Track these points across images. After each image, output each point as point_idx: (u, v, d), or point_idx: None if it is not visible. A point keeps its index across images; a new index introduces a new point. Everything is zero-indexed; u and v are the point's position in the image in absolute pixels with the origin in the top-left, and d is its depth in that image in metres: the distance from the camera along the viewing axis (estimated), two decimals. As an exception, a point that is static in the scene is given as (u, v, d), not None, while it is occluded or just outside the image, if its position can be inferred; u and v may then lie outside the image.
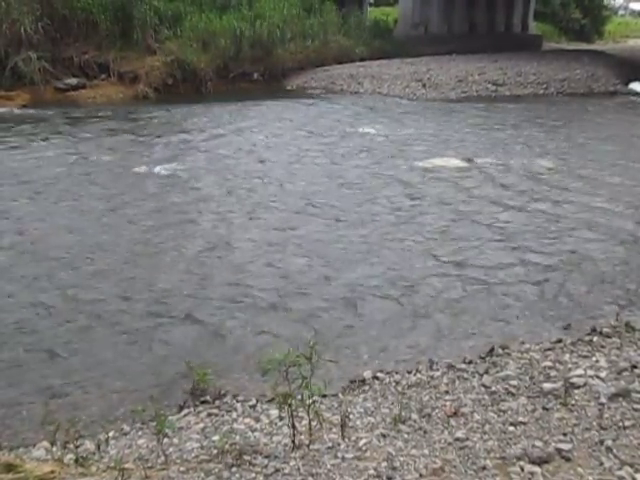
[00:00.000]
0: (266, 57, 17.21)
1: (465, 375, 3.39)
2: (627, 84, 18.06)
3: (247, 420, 3.10)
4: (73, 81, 14.69)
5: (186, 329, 4.22)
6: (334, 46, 19.58)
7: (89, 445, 2.89)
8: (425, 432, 2.70)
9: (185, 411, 3.27)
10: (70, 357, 3.87)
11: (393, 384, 3.40)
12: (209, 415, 3.20)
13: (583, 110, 13.66)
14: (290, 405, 2.56)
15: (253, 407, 3.26)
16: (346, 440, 2.64)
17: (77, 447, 2.67)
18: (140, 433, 3.06)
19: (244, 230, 6.07)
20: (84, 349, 3.96)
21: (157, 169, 8.19)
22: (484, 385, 3.19)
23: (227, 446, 2.57)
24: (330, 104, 14.30)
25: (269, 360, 2.52)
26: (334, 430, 2.76)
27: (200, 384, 3.39)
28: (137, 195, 7.17)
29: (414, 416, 2.88)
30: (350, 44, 20.18)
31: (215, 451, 2.65)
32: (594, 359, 3.38)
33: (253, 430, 2.97)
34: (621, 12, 52.95)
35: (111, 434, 3.07)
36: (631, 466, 2.29)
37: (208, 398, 3.36)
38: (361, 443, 2.59)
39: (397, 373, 3.55)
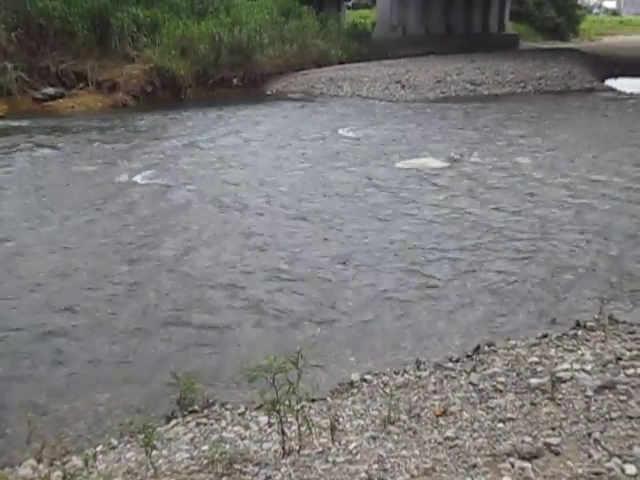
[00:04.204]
0: (245, 62, 17.19)
1: (452, 374, 3.40)
2: (603, 81, 18.36)
3: (236, 428, 3.08)
4: (51, 91, 14.49)
5: (171, 338, 4.18)
6: (313, 50, 19.66)
7: (76, 461, 2.84)
8: (415, 432, 2.70)
9: (173, 422, 3.23)
10: (54, 371, 3.80)
11: (381, 386, 3.40)
12: (198, 425, 3.16)
13: (560, 108, 13.84)
14: (279, 411, 2.55)
15: (242, 415, 3.23)
16: (336, 444, 2.63)
17: (64, 463, 2.63)
18: (128, 446, 3.01)
19: (224, 236, 6.05)
20: (68, 362, 3.90)
21: (137, 178, 8.13)
22: (472, 383, 3.20)
23: (217, 455, 2.55)
24: (310, 107, 14.32)
25: (255, 367, 2.50)
26: (324, 434, 2.76)
27: (187, 393, 3.35)
28: (117, 204, 7.10)
29: (403, 417, 2.88)
30: (329, 47, 20.29)
31: (205, 461, 2.63)
32: (579, 353, 3.41)
33: (243, 438, 2.95)
34: (595, 10, 53.99)
35: (99, 448, 3.02)
36: (619, 457, 2.31)
37: (196, 407, 3.32)
38: (351, 446, 2.58)
39: (385, 374, 3.55)
